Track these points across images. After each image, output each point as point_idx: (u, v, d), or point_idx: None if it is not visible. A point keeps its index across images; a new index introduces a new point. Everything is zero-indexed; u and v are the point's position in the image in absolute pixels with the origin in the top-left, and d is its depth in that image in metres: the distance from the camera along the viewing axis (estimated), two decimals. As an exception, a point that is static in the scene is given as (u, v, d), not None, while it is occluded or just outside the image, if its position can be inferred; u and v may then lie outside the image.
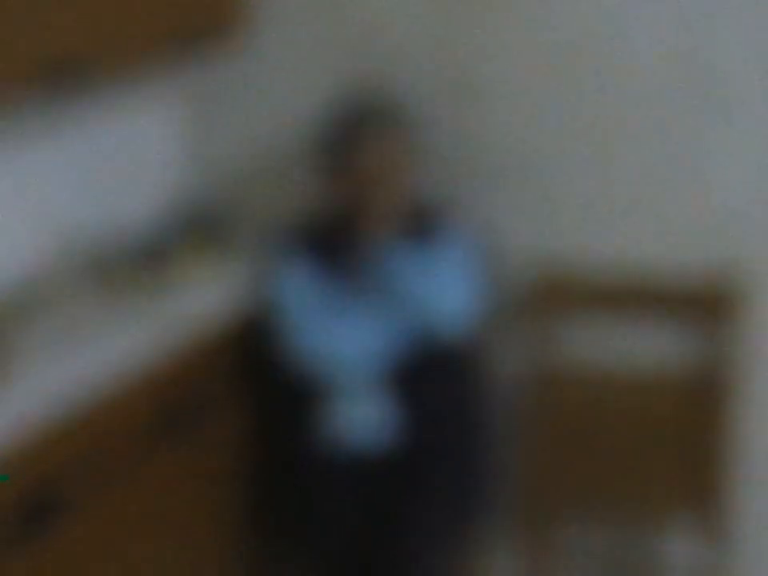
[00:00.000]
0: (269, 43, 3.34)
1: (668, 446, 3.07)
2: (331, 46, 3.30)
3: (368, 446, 2.93)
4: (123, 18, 2.73)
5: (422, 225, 3.05)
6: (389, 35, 3.24)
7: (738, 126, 2.98)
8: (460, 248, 3.06)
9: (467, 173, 3.29)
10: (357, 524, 2.93)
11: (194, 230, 3.26)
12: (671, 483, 3.07)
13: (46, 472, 2.37)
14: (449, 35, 3.18)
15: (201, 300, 2.96)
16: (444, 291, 2.93)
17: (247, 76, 3.42)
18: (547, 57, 3.12)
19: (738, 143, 2.99)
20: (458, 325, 2.96)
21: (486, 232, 3.27)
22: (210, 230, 3.28)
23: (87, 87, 2.78)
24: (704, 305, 3.05)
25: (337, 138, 3.06)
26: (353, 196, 3.03)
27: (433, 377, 2.96)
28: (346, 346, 2.91)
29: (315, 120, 3.27)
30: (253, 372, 3.07)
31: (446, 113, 3.26)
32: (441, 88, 3.23)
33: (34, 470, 2.34)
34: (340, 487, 2.94)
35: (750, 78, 2.95)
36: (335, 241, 3.05)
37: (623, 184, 3.12)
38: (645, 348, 3.18)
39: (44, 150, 2.99)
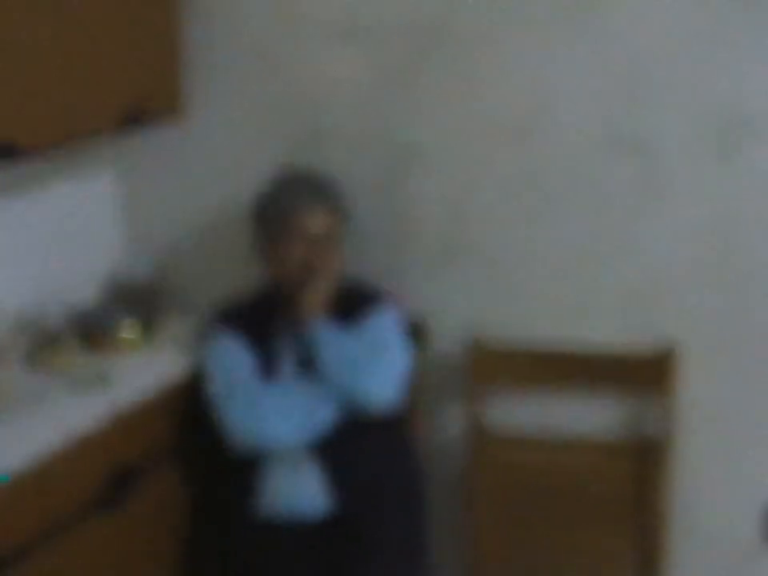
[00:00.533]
0: (206, 121, 3.32)
1: (610, 510, 3.10)
2: (268, 122, 3.28)
3: (303, 512, 2.85)
4: (60, 101, 2.78)
5: (351, 304, 3.00)
6: (325, 111, 3.24)
7: (671, 202, 3.01)
8: (389, 325, 2.99)
9: (399, 249, 3.26)
10: None
11: (130, 303, 3.28)
12: (612, 549, 3.12)
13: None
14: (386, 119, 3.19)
15: (139, 372, 3.00)
16: (371, 372, 2.87)
17: (184, 152, 3.39)
18: (484, 133, 3.11)
19: (672, 219, 3.01)
20: (385, 402, 2.89)
21: (415, 308, 3.20)
22: (146, 303, 3.29)
23: (22, 165, 2.78)
24: (636, 373, 3.08)
25: (262, 222, 3.02)
26: (280, 277, 3.01)
27: (363, 445, 2.89)
28: (272, 422, 2.85)
29: (247, 199, 3.14)
30: (191, 439, 3.05)
31: (380, 188, 3.22)
32: (376, 162, 3.21)
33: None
34: (280, 550, 2.85)
35: (682, 153, 2.97)
36: (266, 318, 3.01)
37: (556, 258, 3.13)
38: (579, 414, 3.18)
39: None
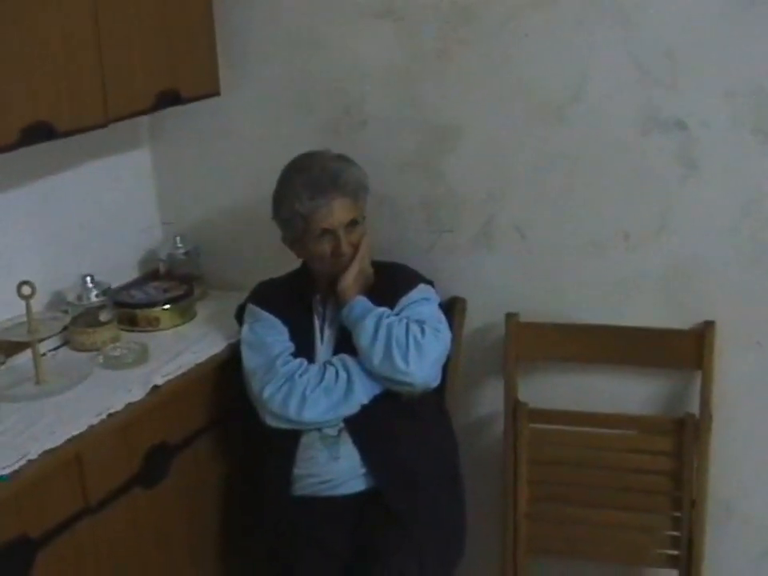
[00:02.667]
0: (242, 101, 3.36)
1: (648, 486, 3.12)
2: (303, 103, 3.31)
3: (340, 487, 2.87)
4: (97, 83, 2.82)
5: (388, 284, 2.99)
6: (360, 92, 3.25)
7: (709, 180, 2.99)
8: (428, 304, 3.00)
9: (435, 229, 3.27)
10: (340, 554, 2.84)
11: (167, 281, 3.37)
12: (650, 524, 3.15)
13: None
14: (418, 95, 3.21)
15: (177, 349, 3.06)
16: (412, 352, 2.85)
17: (220, 133, 3.44)
18: (520, 112, 3.10)
19: (709, 197, 3.00)
20: (425, 382, 2.90)
21: (452, 286, 3.22)
22: (183, 282, 3.35)
23: (60, 144, 2.81)
24: (674, 349, 3.08)
25: (281, 223, 3.00)
26: (312, 266, 3.03)
27: (399, 421, 2.90)
28: (308, 402, 2.86)
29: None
30: (229, 415, 3.08)
31: (415, 169, 3.24)
32: (412, 142, 3.23)
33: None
34: (316, 525, 2.86)
35: (718, 132, 2.94)
36: (302, 297, 3.03)
37: (593, 236, 3.12)
38: (618, 390, 3.20)
39: (16, 202, 3.06)
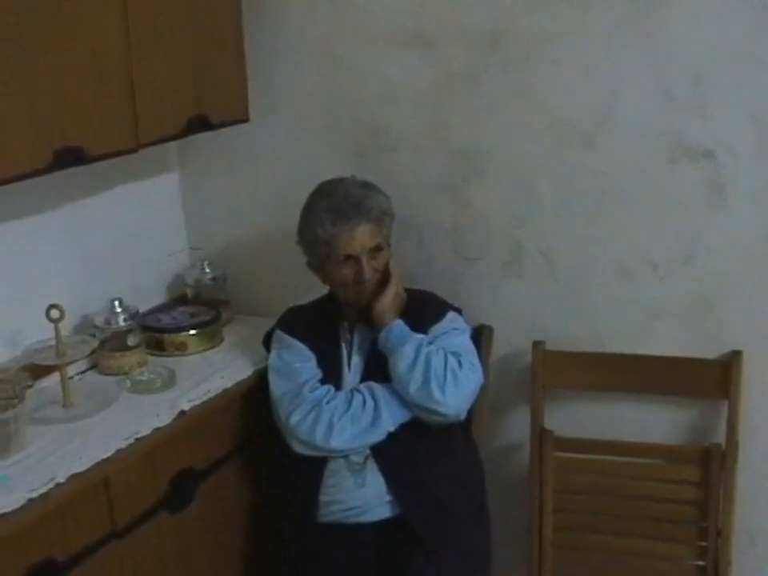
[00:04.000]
0: (270, 126, 3.37)
1: (674, 515, 3.12)
2: (331, 128, 3.32)
3: (366, 514, 2.88)
4: (128, 108, 2.85)
5: (417, 312, 2.97)
6: (387, 118, 3.25)
7: (737, 208, 2.98)
8: (460, 334, 2.98)
9: (462, 254, 3.26)
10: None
11: (195, 306, 3.38)
12: (675, 553, 3.15)
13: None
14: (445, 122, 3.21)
15: (204, 374, 3.06)
16: (447, 383, 2.83)
17: (248, 158, 3.44)
18: (546, 138, 3.10)
19: (737, 225, 2.98)
20: (459, 412, 2.90)
21: (480, 313, 3.21)
22: (211, 307, 3.36)
23: (89, 168, 2.82)
24: (701, 378, 3.08)
25: (306, 248, 3.00)
26: (338, 292, 3.01)
27: (426, 449, 2.89)
28: (335, 430, 2.86)
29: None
30: (255, 441, 3.08)
31: (442, 194, 3.24)
32: (438, 167, 3.23)
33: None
34: (342, 552, 2.86)
35: (748, 159, 2.93)
36: (330, 324, 3.02)
37: (620, 263, 3.12)
38: (644, 419, 3.19)
39: (46, 226, 3.09)
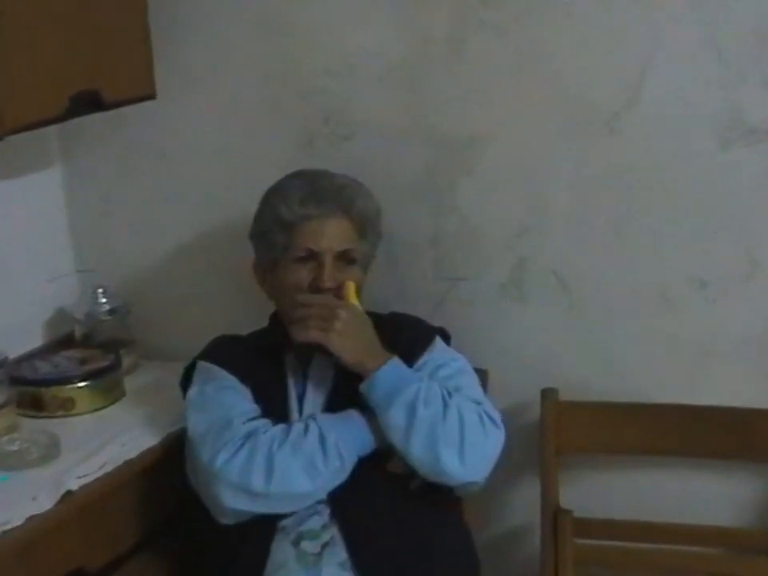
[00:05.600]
0: (184, 112, 3.23)
1: None
2: (270, 111, 3.17)
3: None
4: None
5: (393, 344, 2.80)
6: (347, 96, 3.10)
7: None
8: (465, 378, 2.83)
9: (449, 276, 3.12)
10: None
11: (84, 349, 3.20)
12: None
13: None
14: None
15: (98, 439, 2.89)
16: (460, 441, 2.66)
17: (154, 152, 3.31)
18: (557, 122, 2.94)
19: None
20: (477, 478, 2.71)
21: (473, 353, 2.98)
22: (105, 349, 3.19)
23: None
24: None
25: (259, 241, 2.91)
26: (286, 310, 2.85)
27: (403, 524, 2.71)
28: (287, 480, 2.68)
29: (236, 213, 3.08)
30: (173, 518, 2.92)
31: (422, 195, 3.09)
32: (416, 161, 3.08)
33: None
34: None
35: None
36: (271, 356, 2.88)
37: (656, 287, 2.96)
38: (692, 493, 3.02)
39: None
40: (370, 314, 2.81)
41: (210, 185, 3.23)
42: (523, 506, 3.14)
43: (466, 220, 3.06)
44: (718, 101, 2.82)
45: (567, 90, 2.91)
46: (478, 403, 2.72)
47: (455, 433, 2.64)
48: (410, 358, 2.77)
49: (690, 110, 2.84)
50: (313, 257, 2.78)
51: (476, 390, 2.81)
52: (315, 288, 2.76)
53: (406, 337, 2.82)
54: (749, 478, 2.98)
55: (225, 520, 2.68)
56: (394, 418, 2.64)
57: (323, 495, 2.66)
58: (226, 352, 2.89)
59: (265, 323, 2.94)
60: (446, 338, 2.89)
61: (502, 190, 3.03)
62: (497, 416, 2.75)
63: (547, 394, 2.99)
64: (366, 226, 2.85)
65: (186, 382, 2.90)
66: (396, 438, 2.64)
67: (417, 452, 2.63)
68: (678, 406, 2.94)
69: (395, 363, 2.69)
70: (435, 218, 3.09)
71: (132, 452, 2.83)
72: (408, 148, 3.06)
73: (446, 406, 2.67)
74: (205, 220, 3.21)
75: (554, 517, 2.96)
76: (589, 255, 2.99)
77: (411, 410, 2.63)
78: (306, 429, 2.68)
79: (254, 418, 2.75)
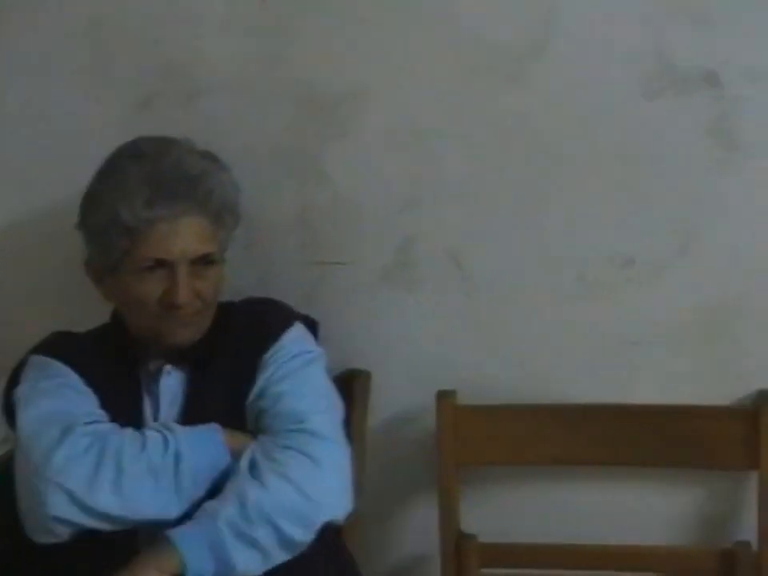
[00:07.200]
0: None
1: None
2: (88, 69, 2.81)
3: None
4: None
5: (242, 336, 2.55)
6: (187, 50, 2.77)
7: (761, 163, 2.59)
8: (314, 375, 2.54)
9: (320, 262, 2.84)
10: None
11: None
12: None
13: None
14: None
15: None
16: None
17: None
18: (450, 70, 2.67)
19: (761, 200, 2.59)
20: (337, 511, 2.45)
21: (350, 351, 2.81)
22: None
23: None
24: (712, 439, 2.62)
25: (92, 243, 2.54)
26: (130, 319, 2.56)
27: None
28: (125, 481, 2.41)
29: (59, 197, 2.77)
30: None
31: (286, 168, 2.80)
32: (278, 126, 2.77)
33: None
34: None
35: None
36: (122, 365, 2.57)
37: (573, 268, 2.70)
38: (617, 507, 2.74)
39: None
40: (222, 304, 2.56)
41: (21, 160, 2.89)
42: (420, 530, 2.84)
43: (339, 192, 2.77)
44: (642, 43, 2.56)
45: (460, 33, 2.64)
46: (301, 421, 2.45)
47: (286, 498, 2.39)
48: (257, 352, 2.53)
49: (608, 54, 2.58)
50: (162, 265, 2.46)
51: (314, 403, 2.52)
52: (168, 305, 2.46)
53: (258, 325, 2.57)
54: (689, 488, 2.74)
55: (43, 537, 2.39)
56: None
57: (173, 517, 2.40)
58: (68, 348, 2.58)
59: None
60: (312, 326, 2.63)
61: (384, 155, 2.73)
62: (327, 429, 2.48)
63: (443, 398, 2.69)
64: (225, 217, 2.55)
65: (11, 387, 2.56)
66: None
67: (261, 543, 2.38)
68: (601, 406, 2.66)
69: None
70: (302, 191, 2.79)
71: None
72: (267, 107, 2.77)
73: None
74: (15, 202, 2.88)
75: (456, 543, 2.70)
76: (490, 232, 2.71)
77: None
78: (165, 444, 2.43)
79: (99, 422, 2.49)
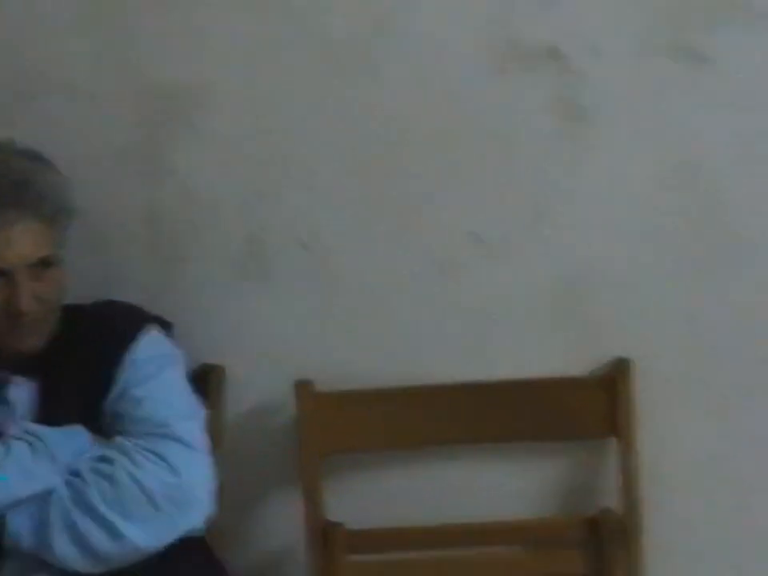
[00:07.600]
0: None
1: None
2: None
3: None
4: None
5: (88, 340, 2.49)
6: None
7: (609, 140, 2.63)
8: (169, 378, 2.51)
9: (170, 257, 2.81)
10: None
11: None
12: None
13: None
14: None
15: None
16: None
17: None
18: (293, 55, 2.67)
19: (612, 166, 2.64)
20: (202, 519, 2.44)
21: (203, 346, 2.76)
22: None
23: None
24: (571, 409, 2.64)
25: None
26: None
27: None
28: None
29: None
30: None
31: (131, 160, 2.75)
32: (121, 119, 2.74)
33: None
34: None
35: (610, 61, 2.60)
36: None
37: (429, 253, 2.72)
38: (483, 484, 2.74)
39: None
40: (69, 307, 2.51)
41: None
42: (287, 523, 2.79)
43: (185, 186, 2.74)
44: (489, 19, 2.58)
45: (306, 20, 2.63)
46: (164, 425, 2.44)
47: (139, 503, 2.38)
48: (110, 357, 2.47)
49: (453, 32, 2.60)
50: (1, 274, 2.44)
51: (178, 405, 2.51)
52: (12, 313, 2.43)
53: (109, 329, 2.51)
54: (553, 460, 2.75)
55: None
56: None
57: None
58: None
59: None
60: (166, 328, 2.59)
61: (230, 144, 2.72)
62: (190, 436, 2.46)
63: (301, 387, 2.67)
64: (59, 218, 2.51)
65: None
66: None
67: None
68: (462, 385, 2.66)
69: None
70: (148, 186, 2.76)
71: None
72: (110, 105, 2.73)
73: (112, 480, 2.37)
74: None
75: (323, 532, 2.66)
76: (341, 218, 2.72)
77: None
78: (33, 449, 2.39)
79: None
